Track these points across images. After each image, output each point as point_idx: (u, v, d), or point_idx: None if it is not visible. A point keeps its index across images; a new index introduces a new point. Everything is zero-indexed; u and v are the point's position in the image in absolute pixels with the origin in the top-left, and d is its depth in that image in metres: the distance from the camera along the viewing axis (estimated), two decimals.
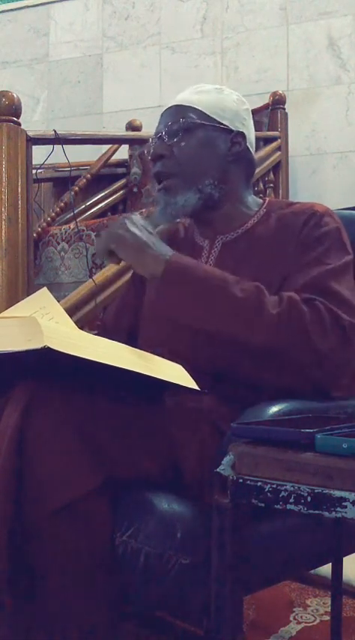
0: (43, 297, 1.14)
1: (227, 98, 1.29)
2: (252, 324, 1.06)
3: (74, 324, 1.11)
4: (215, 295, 1.09)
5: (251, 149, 1.31)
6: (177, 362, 1.06)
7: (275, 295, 1.09)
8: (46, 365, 0.95)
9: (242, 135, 1.27)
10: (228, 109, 1.27)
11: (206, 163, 1.25)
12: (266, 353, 1.06)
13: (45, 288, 1.16)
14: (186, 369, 1.06)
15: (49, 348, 0.82)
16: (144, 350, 1.05)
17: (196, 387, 1.04)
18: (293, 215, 1.24)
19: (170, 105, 1.29)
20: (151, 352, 1.04)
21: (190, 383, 1.04)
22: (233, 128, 1.27)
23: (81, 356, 0.87)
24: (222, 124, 1.26)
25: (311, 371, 1.06)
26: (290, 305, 1.06)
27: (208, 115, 1.26)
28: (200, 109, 1.26)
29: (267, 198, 1.36)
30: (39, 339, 0.83)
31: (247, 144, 1.29)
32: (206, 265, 1.18)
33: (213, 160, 1.25)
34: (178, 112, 1.26)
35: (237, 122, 1.28)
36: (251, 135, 1.31)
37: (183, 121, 1.24)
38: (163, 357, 1.05)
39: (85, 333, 1.04)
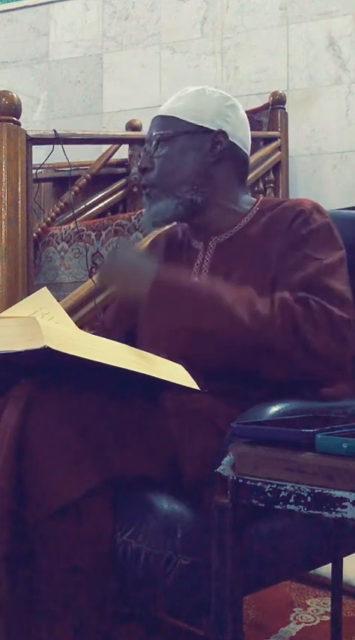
0: (43, 297, 1.14)
1: (206, 98, 1.28)
2: (245, 327, 1.07)
3: (74, 324, 1.11)
4: (206, 305, 1.10)
5: (239, 145, 1.29)
6: (175, 360, 1.06)
7: (268, 298, 1.10)
8: (46, 365, 0.95)
9: (223, 133, 1.27)
10: (207, 108, 1.27)
11: (183, 171, 1.26)
12: (261, 352, 1.08)
13: (45, 288, 1.16)
14: (184, 366, 1.06)
15: (49, 348, 0.82)
16: (144, 349, 1.05)
17: (196, 387, 1.04)
18: (282, 212, 1.24)
19: (155, 115, 1.32)
20: (150, 351, 1.04)
21: (190, 383, 1.04)
22: (213, 128, 1.26)
23: (81, 356, 0.87)
24: (201, 126, 1.26)
25: (304, 365, 1.08)
26: (281, 306, 1.07)
27: (186, 122, 1.26)
28: (178, 117, 1.27)
29: (261, 197, 1.35)
30: (39, 339, 0.83)
31: (231, 140, 1.27)
32: (190, 278, 1.23)
33: (191, 167, 1.26)
34: (159, 123, 1.29)
35: (218, 120, 1.27)
36: (238, 131, 1.29)
37: (161, 133, 1.27)
38: (159, 354, 1.05)
39: (85, 333, 1.04)
